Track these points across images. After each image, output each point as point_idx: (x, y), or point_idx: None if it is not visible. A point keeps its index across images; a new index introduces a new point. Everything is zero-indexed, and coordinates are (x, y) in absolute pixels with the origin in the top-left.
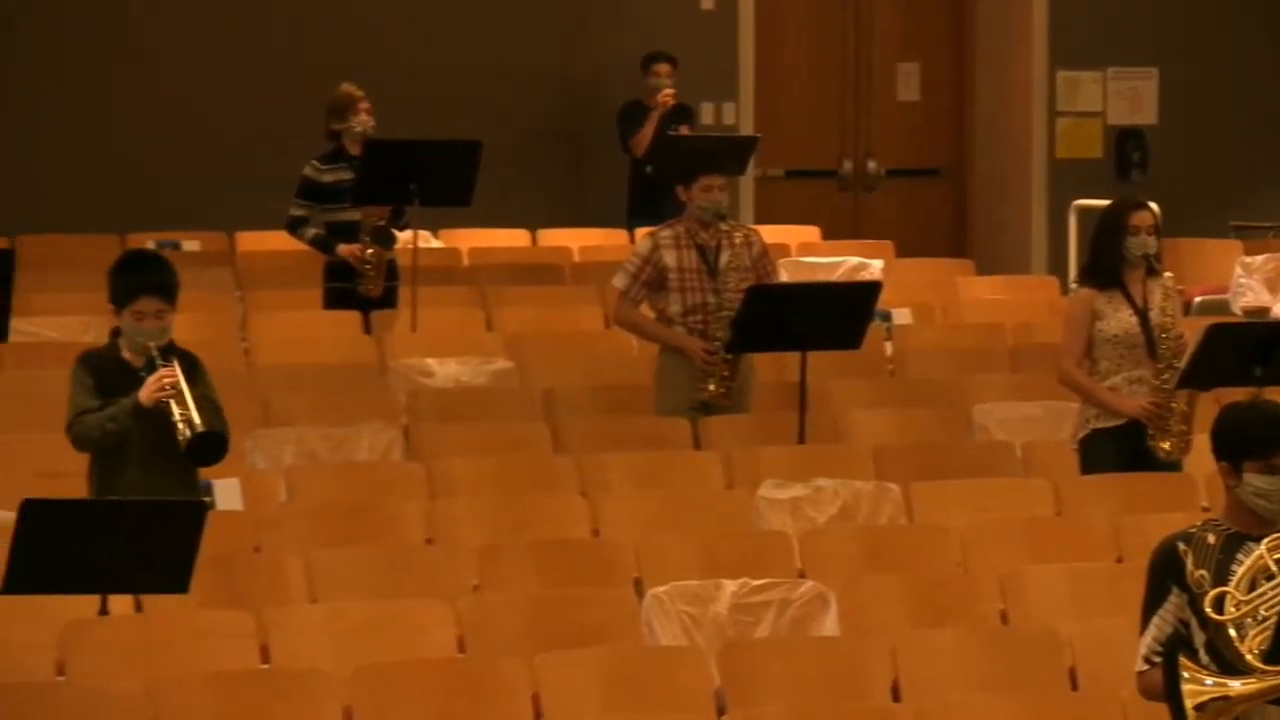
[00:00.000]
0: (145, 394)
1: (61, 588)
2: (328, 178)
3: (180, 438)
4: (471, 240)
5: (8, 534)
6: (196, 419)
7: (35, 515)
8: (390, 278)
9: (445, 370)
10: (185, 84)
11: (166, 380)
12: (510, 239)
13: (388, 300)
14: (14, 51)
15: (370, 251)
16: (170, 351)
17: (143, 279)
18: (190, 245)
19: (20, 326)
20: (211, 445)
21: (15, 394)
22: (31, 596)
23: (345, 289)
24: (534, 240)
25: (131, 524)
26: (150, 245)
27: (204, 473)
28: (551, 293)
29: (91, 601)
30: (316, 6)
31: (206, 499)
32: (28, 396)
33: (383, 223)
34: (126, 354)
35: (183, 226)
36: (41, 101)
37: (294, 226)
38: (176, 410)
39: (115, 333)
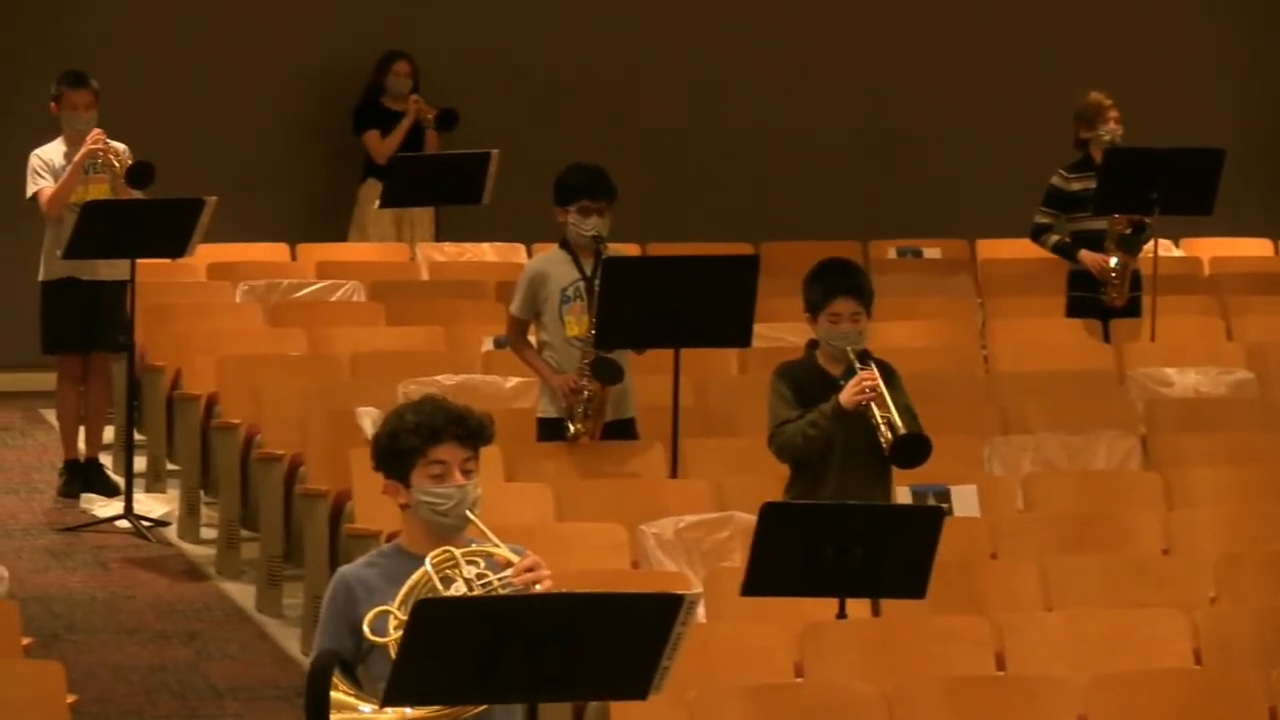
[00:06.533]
0: (846, 396)
1: (801, 590)
2: (1075, 186)
3: (883, 440)
4: (1213, 249)
5: None
6: (898, 421)
7: (776, 519)
8: (1134, 287)
9: (1184, 380)
10: (889, 90)
11: (866, 383)
12: (1253, 248)
13: (1131, 310)
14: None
15: (1115, 261)
16: (867, 357)
17: (836, 282)
18: (931, 253)
19: (763, 332)
20: (915, 448)
21: (754, 398)
22: (771, 599)
23: (1089, 298)
24: (1277, 250)
25: (870, 529)
26: (890, 253)
27: (939, 478)
28: None
29: (830, 604)
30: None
31: (943, 505)
32: (763, 400)
33: (1128, 232)
34: (823, 363)
35: (925, 234)
36: (807, 111)
37: (1038, 234)
38: (878, 413)
39: (811, 344)
